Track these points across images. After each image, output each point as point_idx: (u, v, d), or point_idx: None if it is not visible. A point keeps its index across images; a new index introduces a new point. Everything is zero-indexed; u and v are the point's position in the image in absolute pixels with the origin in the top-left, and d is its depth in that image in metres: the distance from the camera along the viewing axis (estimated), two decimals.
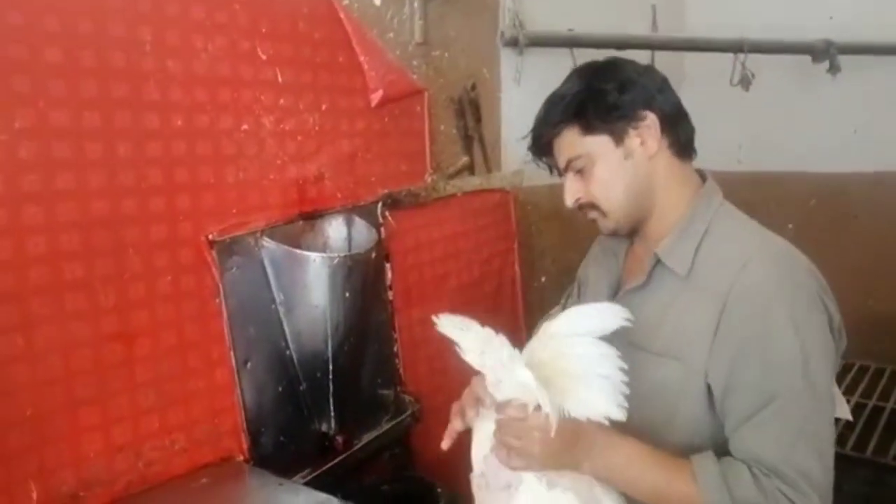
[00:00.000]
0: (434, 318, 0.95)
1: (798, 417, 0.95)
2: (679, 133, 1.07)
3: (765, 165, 2.75)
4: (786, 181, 2.73)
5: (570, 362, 0.93)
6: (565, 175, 1.10)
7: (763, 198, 2.56)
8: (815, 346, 0.95)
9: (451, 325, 0.95)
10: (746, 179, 2.66)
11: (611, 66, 1.08)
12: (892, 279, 2.57)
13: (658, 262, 1.05)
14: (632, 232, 1.12)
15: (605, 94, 1.03)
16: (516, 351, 0.93)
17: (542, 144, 1.11)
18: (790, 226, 2.68)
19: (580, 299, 1.28)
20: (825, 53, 2.38)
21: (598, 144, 1.04)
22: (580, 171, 1.07)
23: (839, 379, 2.35)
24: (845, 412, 2.08)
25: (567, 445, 0.93)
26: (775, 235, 1.07)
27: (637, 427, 1.00)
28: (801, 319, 0.95)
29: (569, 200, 1.10)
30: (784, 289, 0.96)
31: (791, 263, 1.01)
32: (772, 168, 2.74)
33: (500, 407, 0.95)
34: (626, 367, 0.92)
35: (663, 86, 1.07)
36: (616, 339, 1.03)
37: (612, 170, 1.05)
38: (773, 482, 0.93)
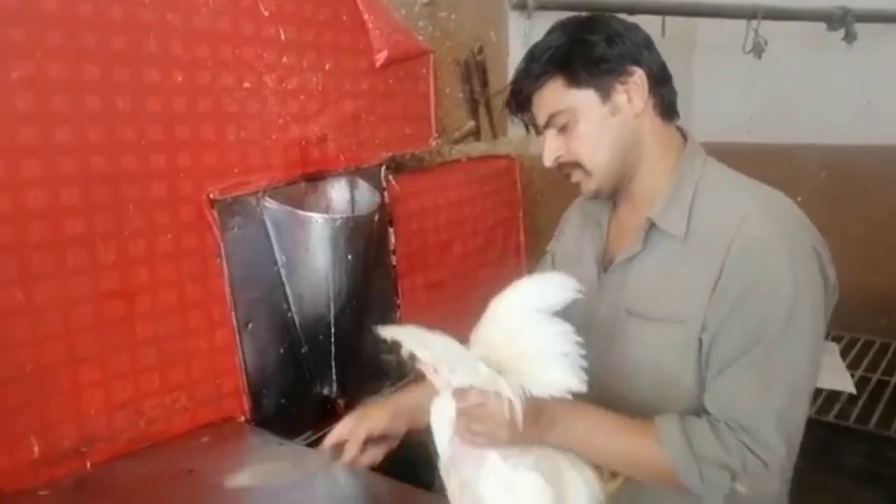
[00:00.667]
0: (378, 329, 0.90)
1: (776, 365, 0.93)
2: (664, 93, 1.02)
3: (775, 137, 2.70)
4: (796, 153, 2.68)
5: (528, 343, 0.92)
6: (545, 132, 1.03)
7: (772, 170, 2.49)
8: (805, 296, 0.93)
9: (401, 335, 0.90)
10: (756, 151, 2.62)
11: (597, 19, 1.02)
12: None
13: (652, 226, 1.01)
14: (613, 194, 1.06)
15: (592, 45, 0.97)
16: (467, 352, 0.92)
17: (521, 98, 1.02)
18: (799, 199, 2.64)
19: (558, 246, 1.24)
20: (841, 21, 2.32)
21: (584, 99, 0.98)
22: (562, 129, 1.00)
23: (844, 353, 2.34)
24: (849, 386, 2.08)
25: (531, 422, 0.90)
26: (765, 186, 1.03)
27: (641, 398, 0.99)
28: (795, 271, 0.93)
29: (548, 159, 1.03)
30: (780, 242, 0.94)
31: (787, 217, 0.99)
32: (782, 140, 2.69)
33: (460, 395, 0.92)
34: (581, 342, 0.90)
35: (649, 44, 1.01)
36: (613, 307, 1.02)
37: (597, 126, 0.99)
38: (737, 436, 0.92)
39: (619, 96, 0.98)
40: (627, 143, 1.00)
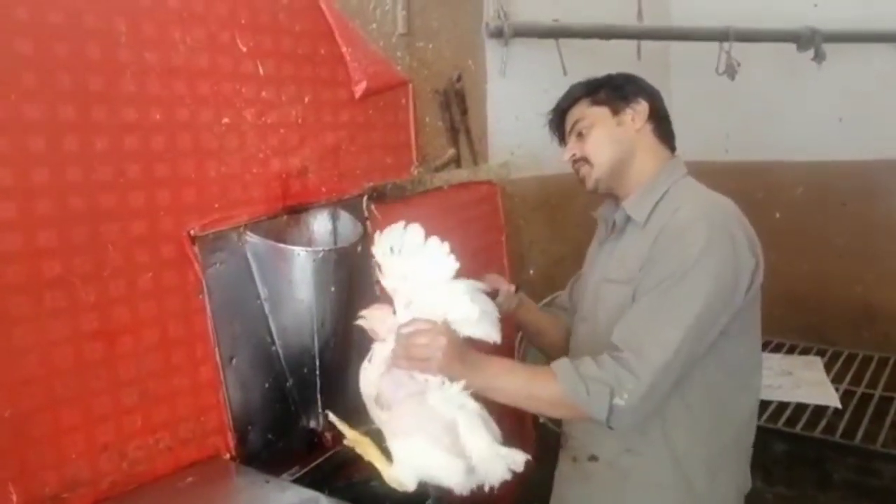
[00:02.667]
0: (377, 232, 1.18)
1: (671, 300, 1.15)
2: (661, 124, 1.35)
3: (751, 155, 2.75)
4: (772, 170, 2.73)
5: (457, 305, 1.16)
6: (569, 138, 1.39)
7: (750, 187, 2.56)
8: (712, 257, 1.15)
9: (386, 245, 1.16)
10: (733, 169, 2.67)
11: (628, 74, 1.39)
12: (880, 266, 2.58)
13: (629, 218, 1.30)
14: (609, 191, 1.36)
15: (615, 81, 1.36)
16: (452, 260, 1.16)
17: (558, 111, 1.41)
18: (777, 214, 2.69)
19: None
20: (810, 41, 2.38)
21: (600, 113, 1.34)
22: (580, 134, 1.35)
23: (828, 367, 2.36)
24: (834, 400, 2.09)
25: (460, 355, 1.15)
26: (719, 196, 1.28)
27: (592, 341, 1.30)
28: (709, 240, 1.15)
29: (566, 155, 1.38)
30: (700, 222, 1.18)
31: (715, 208, 1.23)
32: (758, 157, 2.74)
33: (409, 323, 1.16)
34: (495, 304, 1.23)
35: (658, 95, 1.38)
36: (593, 277, 1.38)
37: (605, 131, 1.33)
38: (620, 355, 1.14)
39: (626, 115, 1.33)
40: (625, 148, 1.33)
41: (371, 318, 1.23)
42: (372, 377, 1.20)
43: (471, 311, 1.15)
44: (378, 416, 1.19)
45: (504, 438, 1.17)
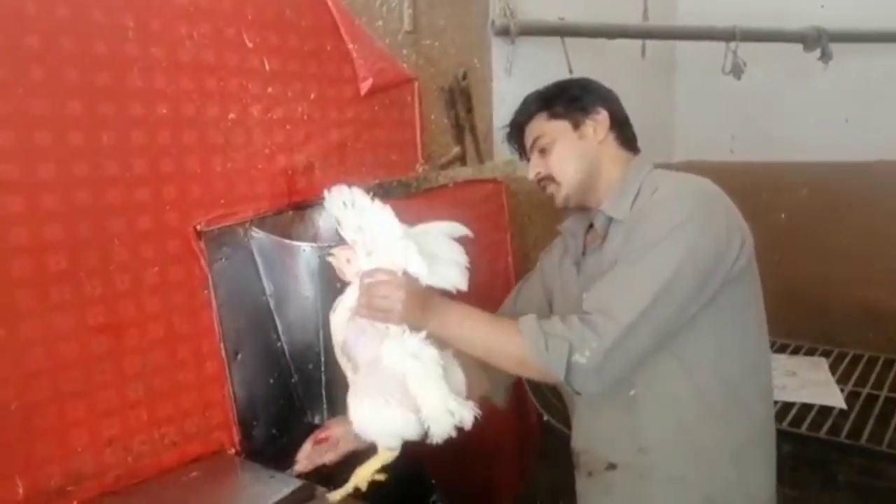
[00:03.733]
0: (326, 191, 1.15)
1: (644, 265, 1.13)
2: (624, 131, 1.32)
3: (757, 155, 2.74)
4: (778, 170, 2.72)
5: (410, 262, 1.14)
6: (531, 154, 1.35)
7: (756, 187, 2.56)
8: (694, 224, 1.13)
9: (338, 200, 1.14)
10: (739, 169, 2.66)
11: (583, 80, 1.36)
12: (885, 267, 2.57)
13: (610, 220, 1.26)
14: (579, 204, 1.32)
15: (570, 92, 1.32)
16: (396, 223, 1.14)
17: (515, 126, 1.38)
18: (783, 215, 2.69)
19: (541, 279, 1.47)
20: (816, 41, 2.37)
21: (560, 127, 1.30)
22: (542, 151, 1.31)
23: (833, 367, 2.35)
24: (839, 401, 2.08)
25: (421, 303, 1.14)
26: (696, 176, 1.25)
27: None
28: (691, 212, 1.14)
29: (531, 174, 1.34)
30: (679, 195, 1.18)
31: (692, 184, 1.22)
32: (764, 157, 2.74)
33: (370, 272, 1.14)
34: (465, 254, 1.20)
35: (615, 99, 1.34)
36: (579, 293, 1.24)
37: (568, 147, 1.29)
38: (589, 317, 1.12)
39: (587, 128, 1.30)
40: (590, 161, 1.29)
41: (339, 258, 1.21)
42: (338, 323, 1.20)
43: (420, 270, 1.12)
44: (345, 365, 1.21)
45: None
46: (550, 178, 1.31)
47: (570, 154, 1.29)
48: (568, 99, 1.30)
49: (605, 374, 1.12)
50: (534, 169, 1.33)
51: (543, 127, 1.31)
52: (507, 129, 1.40)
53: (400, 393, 1.11)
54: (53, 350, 1.10)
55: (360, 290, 1.15)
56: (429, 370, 1.13)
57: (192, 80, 1.27)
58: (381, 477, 1.20)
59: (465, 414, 1.11)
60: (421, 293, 1.15)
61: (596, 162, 1.29)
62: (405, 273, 1.13)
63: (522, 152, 1.39)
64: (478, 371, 1.30)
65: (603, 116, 1.29)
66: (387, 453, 1.18)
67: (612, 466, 1.28)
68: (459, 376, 1.18)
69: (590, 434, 1.32)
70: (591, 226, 1.34)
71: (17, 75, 1.05)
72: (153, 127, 1.22)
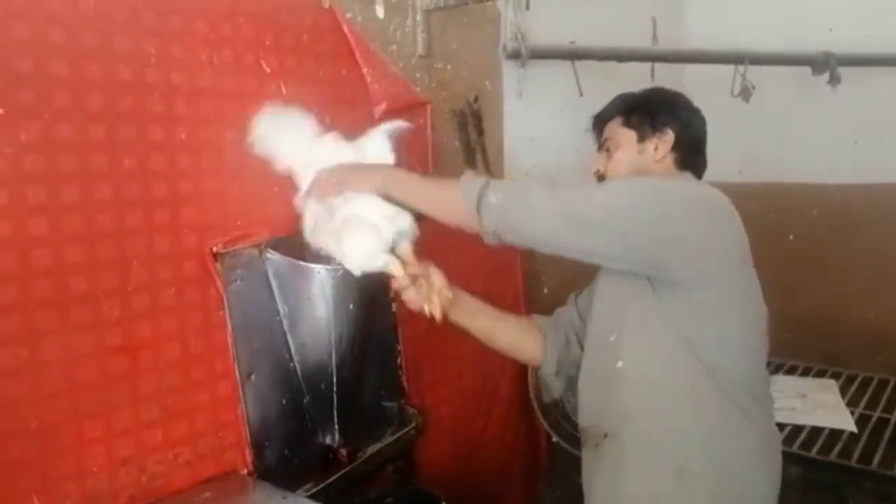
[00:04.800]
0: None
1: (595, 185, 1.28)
2: (688, 156, 1.37)
3: (766, 176, 2.75)
4: (787, 192, 2.73)
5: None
6: (601, 150, 1.42)
7: (764, 209, 2.56)
8: (679, 193, 1.20)
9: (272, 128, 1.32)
10: (747, 191, 2.66)
11: (671, 94, 1.42)
12: (895, 290, 2.56)
13: None
14: None
15: (650, 105, 1.38)
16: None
17: (599, 121, 1.45)
18: (791, 236, 2.69)
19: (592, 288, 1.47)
20: (825, 65, 2.39)
21: (627, 136, 1.37)
22: (608, 150, 1.39)
23: (843, 390, 2.34)
24: (850, 424, 2.08)
25: (364, 169, 1.31)
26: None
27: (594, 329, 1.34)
28: (689, 193, 1.21)
29: (592, 167, 1.42)
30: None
31: (696, 185, 1.31)
32: (773, 179, 2.74)
33: (320, 171, 1.31)
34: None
35: (693, 123, 1.38)
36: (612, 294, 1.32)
37: (627, 157, 1.36)
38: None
39: (650, 143, 1.36)
40: (642, 174, 1.34)
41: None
42: (309, 224, 1.33)
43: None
44: (318, 241, 1.33)
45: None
46: (603, 178, 1.39)
47: (625, 163, 1.36)
48: (644, 111, 1.37)
49: (509, 219, 1.18)
50: (596, 165, 1.41)
51: (615, 130, 1.39)
52: (592, 121, 1.47)
53: (369, 227, 1.28)
54: (72, 371, 1.12)
55: (312, 184, 1.31)
56: (371, 205, 1.28)
57: (211, 104, 1.29)
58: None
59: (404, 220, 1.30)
60: (361, 164, 1.32)
61: (646, 175, 1.35)
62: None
63: (599, 145, 1.46)
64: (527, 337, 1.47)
65: (669, 137, 1.34)
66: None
67: (605, 436, 1.31)
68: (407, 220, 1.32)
69: (588, 409, 1.35)
70: None
71: (44, 101, 1.07)
72: (173, 151, 1.24)
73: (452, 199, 1.22)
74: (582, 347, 1.41)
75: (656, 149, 1.35)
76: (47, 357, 1.09)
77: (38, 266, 1.07)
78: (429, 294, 1.32)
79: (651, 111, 1.36)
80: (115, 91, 1.15)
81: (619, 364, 1.26)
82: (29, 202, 1.06)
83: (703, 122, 1.40)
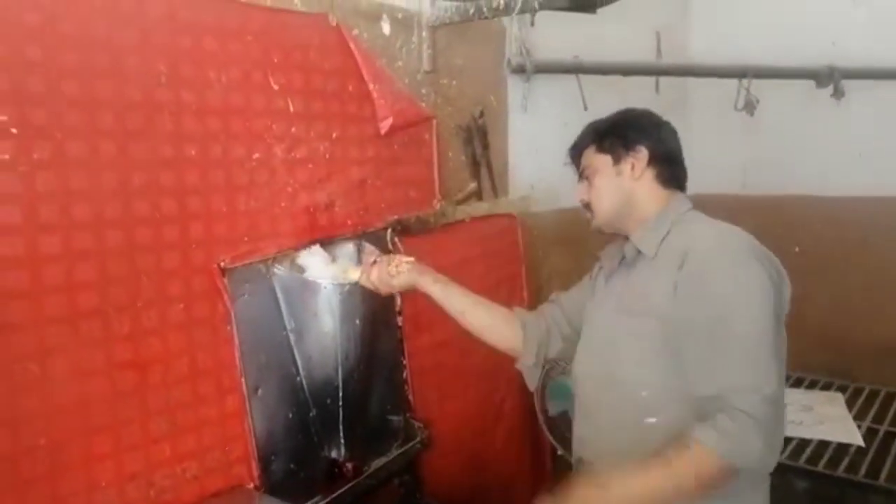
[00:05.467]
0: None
1: (732, 339, 1.17)
2: (666, 169, 1.36)
3: (770, 189, 2.76)
4: (792, 204, 2.73)
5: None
6: (581, 179, 1.43)
7: (769, 221, 2.55)
8: (747, 287, 1.18)
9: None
10: (752, 203, 2.67)
11: (638, 113, 1.41)
12: None
13: (639, 252, 1.33)
14: (613, 231, 1.40)
15: (619, 128, 1.38)
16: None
17: (575, 151, 1.46)
18: (796, 249, 2.69)
19: (590, 285, 1.51)
20: (829, 78, 2.40)
21: (602, 162, 1.37)
22: (587, 178, 1.40)
23: (849, 403, 2.33)
24: (857, 438, 2.07)
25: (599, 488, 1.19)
26: (725, 224, 1.30)
27: (609, 371, 1.32)
28: (736, 267, 1.19)
29: (576, 198, 1.43)
30: (720, 247, 1.23)
31: (728, 234, 1.27)
32: (777, 191, 2.75)
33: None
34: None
35: (663, 137, 1.38)
36: (606, 308, 1.37)
37: (605, 181, 1.37)
38: (718, 415, 1.13)
39: (626, 164, 1.35)
40: (623, 196, 1.36)
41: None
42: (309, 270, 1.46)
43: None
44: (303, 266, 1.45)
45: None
46: (589, 206, 1.40)
47: (606, 188, 1.36)
48: (615, 134, 1.37)
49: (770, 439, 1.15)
50: (579, 195, 1.43)
51: (591, 158, 1.40)
52: (570, 153, 1.48)
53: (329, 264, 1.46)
54: (82, 386, 1.13)
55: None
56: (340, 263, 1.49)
57: (219, 122, 1.31)
58: None
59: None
60: (595, 484, 1.20)
61: (630, 197, 1.35)
62: None
63: (580, 175, 1.46)
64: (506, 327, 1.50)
65: (643, 154, 1.34)
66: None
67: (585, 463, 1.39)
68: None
69: (579, 441, 1.41)
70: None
71: (56, 120, 1.09)
72: (182, 168, 1.26)
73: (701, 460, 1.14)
74: (563, 340, 1.50)
75: (633, 168, 1.34)
76: (58, 372, 1.10)
77: (49, 282, 1.09)
78: (388, 267, 1.43)
79: (621, 133, 1.37)
80: (125, 110, 1.17)
81: (652, 420, 1.25)
82: (41, 219, 1.07)
83: (673, 133, 1.39)
